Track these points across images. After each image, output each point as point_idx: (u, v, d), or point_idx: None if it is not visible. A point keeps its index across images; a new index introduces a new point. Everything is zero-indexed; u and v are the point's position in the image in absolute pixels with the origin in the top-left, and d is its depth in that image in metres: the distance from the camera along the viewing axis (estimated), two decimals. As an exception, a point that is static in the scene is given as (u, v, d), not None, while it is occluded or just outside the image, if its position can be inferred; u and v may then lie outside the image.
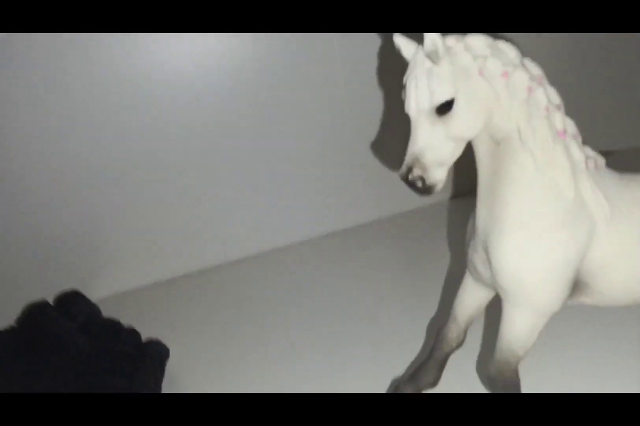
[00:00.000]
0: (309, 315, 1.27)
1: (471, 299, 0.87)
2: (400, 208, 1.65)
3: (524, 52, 0.72)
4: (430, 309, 1.20)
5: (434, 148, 0.68)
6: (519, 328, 0.77)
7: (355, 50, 1.45)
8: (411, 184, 0.68)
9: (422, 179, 0.68)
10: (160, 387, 1.01)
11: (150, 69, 1.32)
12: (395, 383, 0.94)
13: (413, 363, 1.03)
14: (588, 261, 0.73)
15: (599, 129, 1.69)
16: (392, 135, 1.52)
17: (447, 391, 0.86)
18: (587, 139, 0.75)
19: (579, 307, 0.96)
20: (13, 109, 1.24)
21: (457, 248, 1.29)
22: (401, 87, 0.70)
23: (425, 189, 0.68)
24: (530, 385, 0.86)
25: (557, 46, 1.65)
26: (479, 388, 0.96)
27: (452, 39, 0.69)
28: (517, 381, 0.81)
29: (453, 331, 0.88)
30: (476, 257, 0.79)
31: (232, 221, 1.52)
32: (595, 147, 0.76)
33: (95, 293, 1.34)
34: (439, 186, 0.69)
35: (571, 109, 0.75)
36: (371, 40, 1.43)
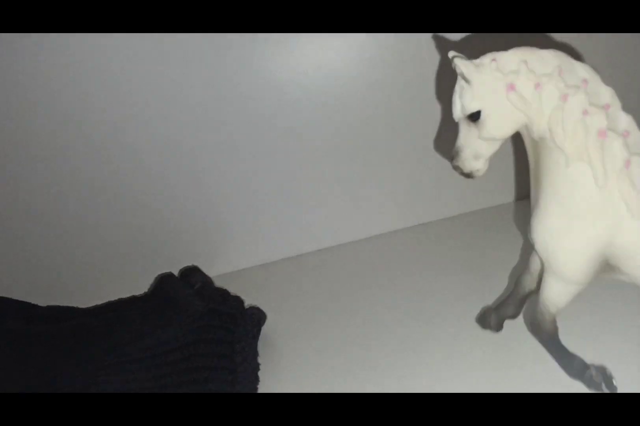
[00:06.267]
0: (402, 291, 1.41)
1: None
2: (468, 208, 1.73)
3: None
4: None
5: (469, 145, 0.86)
6: (550, 290, 0.94)
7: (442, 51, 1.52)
8: (455, 169, 0.89)
9: (460, 168, 0.88)
10: (256, 343, 1.21)
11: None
12: (483, 309, 1.15)
13: (499, 298, 1.23)
14: (613, 247, 0.85)
15: None
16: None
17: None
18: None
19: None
20: (155, 101, 1.43)
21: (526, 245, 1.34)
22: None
23: (465, 175, 0.89)
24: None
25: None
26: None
27: (488, 58, 0.81)
28: (553, 331, 1.00)
29: (527, 279, 1.07)
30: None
31: (339, 209, 1.68)
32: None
33: (210, 271, 1.54)
34: (479, 173, 0.88)
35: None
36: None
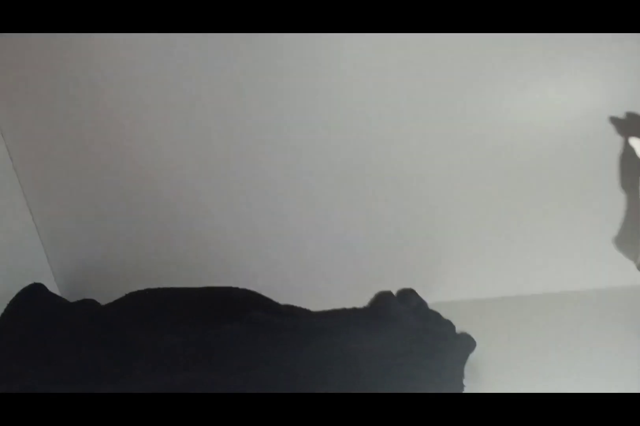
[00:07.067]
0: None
1: None
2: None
3: None
4: None
5: None
6: None
7: None
8: None
9: None
10: (463, 366, 1.27)
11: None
12: None
13: None
14: None
15: None
16: None
17: None
18: None
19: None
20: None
21: None
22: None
23: None
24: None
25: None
26: None
27: None
28: None
29: None
30: None
31: (564, 256, 1.62)
32: None
33: (425, 298, 1.64)
34: None
35: None
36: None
